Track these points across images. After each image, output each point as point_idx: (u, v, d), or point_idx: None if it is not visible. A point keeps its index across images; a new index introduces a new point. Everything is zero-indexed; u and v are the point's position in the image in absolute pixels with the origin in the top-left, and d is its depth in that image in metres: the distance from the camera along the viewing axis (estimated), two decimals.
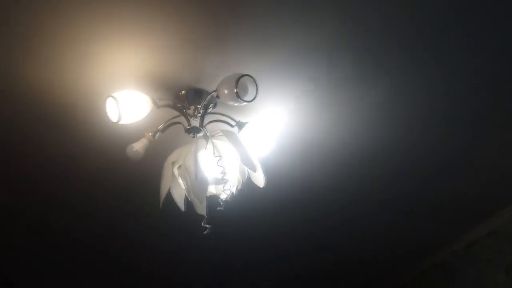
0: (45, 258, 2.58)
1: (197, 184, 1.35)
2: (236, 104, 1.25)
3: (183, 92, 1.47)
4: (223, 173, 1.42)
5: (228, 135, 1.44)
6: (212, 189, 1.50)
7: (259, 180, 1.55)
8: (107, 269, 2.79)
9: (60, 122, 1.61)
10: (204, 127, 1.49)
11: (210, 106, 1.52)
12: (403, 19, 1.35)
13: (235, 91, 1.20)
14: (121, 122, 1.29)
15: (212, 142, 1.47)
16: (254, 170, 1.39)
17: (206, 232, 1.55)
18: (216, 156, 1.44)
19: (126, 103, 1.28)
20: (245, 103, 1.23)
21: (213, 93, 1.37)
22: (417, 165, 2.07)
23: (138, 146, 1.49)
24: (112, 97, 1.26)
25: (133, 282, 2.97)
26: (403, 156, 2.00)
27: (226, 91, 1.23)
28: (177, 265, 2.79)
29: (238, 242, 2.55)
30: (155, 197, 1.50)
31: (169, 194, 1.53)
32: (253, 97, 1.24)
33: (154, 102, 1.37)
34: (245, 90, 1.24)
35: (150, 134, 1.49)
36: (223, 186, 1.44)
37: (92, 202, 2.11)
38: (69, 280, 2.90)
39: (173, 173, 1.53)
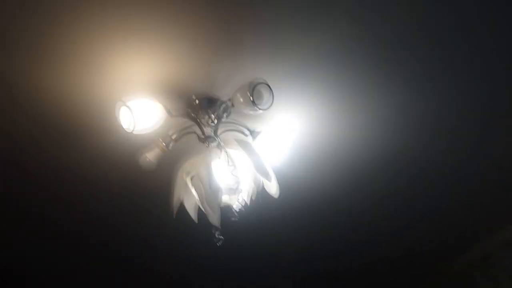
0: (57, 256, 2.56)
1: (211, 193, 1.33)
2: (251, 112, 1.23)
3: (196, 100, 1.45)
4: (237, 182, 1.40)
5: (242, 144, 1.42)
6: (226, 199, 1.47)
7: (273, 189, 1.52)
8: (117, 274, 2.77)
9: (72, 129, 1.60)
10: (218, 136, 1.47)
11: (224, 114, 1.50)
12: (414, 25, 1.33)
13: (251, 99, 1.18)
14: (135, 132, 1.27)
15: (226, 151, 1.45)
16: (269, 180, 1.36)
17: (219, 243, 1.52)
18: (230, 166, 1.42)
19: (140, 112, 1.26)
20: (260, 111, 1.20)
21: (227, 101, 1.35)
22: (429, 171, 2.03)
23: (151, 156, 1.47)
24: (126, 106, 1.25)
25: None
26: (414, 162, 1.97)
27: (241, 99, 1.21)
28: (191, 271, 2.76)
29: (251, 251, 2.52)
30: (168, 206, 1.47)
31: (181, 205, 1.51)
32: (269, 105, 1.22)
33: (168, 111, 1.35)
34: (261, 98, 1.21)
35: (164, 143, 1.47)
36: (237, 196, 1.41)
37: (107, 210, 2.10)
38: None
39: (186, 183, 1.51)
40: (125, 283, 2.86)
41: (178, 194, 1.45)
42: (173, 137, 1.48)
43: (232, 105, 1.30)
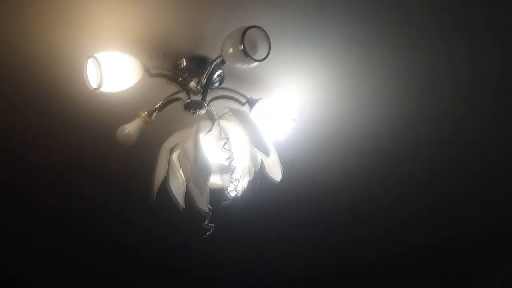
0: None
1: (198, 170, 1.08)
2: (245, 65, 0.98)
3: (183, 60, 1.22)
4: (230, 158, 1.16)
5: (237, 113, 1.18)
6: (216, 180, 1.23)
7: (274, 170, 1.27)
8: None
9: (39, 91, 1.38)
10: (209, 103, 1.23)
11: (216, 78, 1.27)
12: None
13: (241, 47, 0.93)
14: (102, 89, 1.03)
15: (218, 123, 1.21)
16: (268, 154, 1.12)
17: (208, 233, 1.28)
18: (222, 138, 1.17)
19: (110, 66, 1.03)
20: (255, 62, 0.96)
21: (217, 59, 1.11)
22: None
23: (131, 128, 1.23)
24: (93, 57, 1.01)
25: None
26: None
27: (231, 50, 0.97)
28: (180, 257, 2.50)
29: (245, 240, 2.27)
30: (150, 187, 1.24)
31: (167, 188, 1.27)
32: (265, 54, 0.97)
33: (146, 69, 1.11)
34: (255, 47, 0.97)
35: (146, 113, 1.23)
36: (230, 176, 1.17)
37: (81, 187, 1.87)
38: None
39: (170, 162, 1.27)
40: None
41: (160, 174, 1.20)
42: (157, 106, 1.24)
43: (223, 61, 1.06)
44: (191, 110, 1.15)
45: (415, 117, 1.54)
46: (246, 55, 0.95)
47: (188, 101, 1.15)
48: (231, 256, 2.42)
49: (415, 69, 1.36)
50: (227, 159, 1.16)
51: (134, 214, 2.04)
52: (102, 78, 1.01)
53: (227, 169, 1.16)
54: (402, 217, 2.11)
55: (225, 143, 1.17)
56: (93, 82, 1.05)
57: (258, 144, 1.12)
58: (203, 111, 1.17)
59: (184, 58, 1.22)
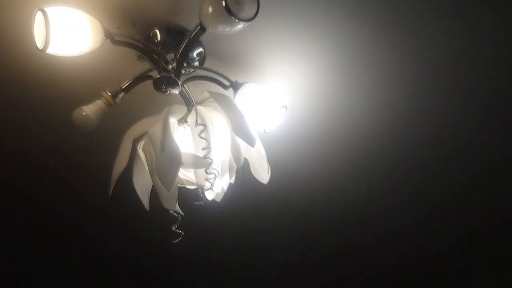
0: None
1: (164, 159, 0.87)
2: (228, 28, 0.79)
3: (156, 31, 1.02)
4: (207, 149, 0.95)
5: (218, 97, 0.98)
6: (189, 174, 1.02)
7: (261, 171, 1.07)
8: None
9: None
10: (185, 83, 1.03)
11: (196, 57, 1.08)
12: None
13: (223, 3, 0.74)
14: (49, 51, 0.83)
15: (195, 108, 1.01)
16: (252, 144, 0.91)
17: (178, 240, 1.06)
18: (198, 125, 0.97)
19: (61, 23, 0.83)
20: (241, 23, 0.77)
21: (197, 28, 0.91)
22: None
23: (90, 110, 1.02)
24: (41, 10, 0.81)
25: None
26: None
27: (210, 9, 0.77)
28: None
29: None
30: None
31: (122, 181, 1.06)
32: (253, 13, 0.78)
33: (108, 34, 0.91)
34: (240, 3, 0.78)
35: (109, 94, 1.03)
36: (206, 170, 0.96)
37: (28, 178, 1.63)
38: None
39: (136, 154, 1.06)
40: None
41: (120, 164, 0.99)
42: (123, 85, 1.04)
43: (202, 28, 0.86)
44: (162, 88, 0.95)
45: (414, 115, 1.35)
46: (230, 13, 0.76)
47: (158, 76, 0.95)
48: (210, 259, 2.18)
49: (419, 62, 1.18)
50: (203, 149, 0.96)
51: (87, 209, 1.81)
52: (49, 36, 0.81)
53: (202, 162, 0.95)
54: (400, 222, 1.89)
55: (201, 131, 0.97)
56: (40, 41, 0.84)
57: (240, 132, 0.92)
58: (176, 91, 0.97)
59: (157, 29, 1.02)
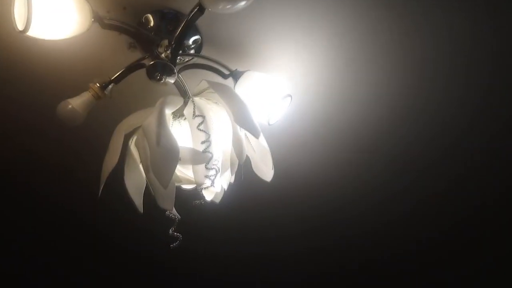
0: None
1: (160, 154, 0.78)
2: (229, 4, 0.71)
3: (148, 16, 0.94)
4: (207, 142, 0.87)
5: (217, 86, 0.89)
6: (187, 172, 0.93)
7: (264, 167, 0.99)
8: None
9: None
10: (179, 73, 0.94)
11: (191, 43, 0.99)
12: None
13: None
14: (30, 33, 0.74)
15: (192, 100, 0.93)
16: (257, 135, 0.83)
17: (175, 244, 0.97)
18: (196, 116, 0.89)
19: (45, 2, 0.74)
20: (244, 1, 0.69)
21: (195, 9, 0.83)
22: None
23: (77, 103, 0.93)
24: None
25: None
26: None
27: None
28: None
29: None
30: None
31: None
32: None
33: (97, 17, 0.83)
34: None
35: (97, 85, 0.94)
36: (206, 166, 0.87)
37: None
38: None
39: (128, 151, 0.97)
40: None
41: (110, 161, 0.89)
42: (112, 76, 0.95)
43: (201, 8, 0.78)
44: (156, 75, 0.86)
45: (422, 109, 1.28)
46: None
47: (152, 62, 0.86)
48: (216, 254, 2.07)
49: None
50: (202, 143, 0.87)
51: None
52: (30, 16, 0.72)
53: (201, 157, 0.86)
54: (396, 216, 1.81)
55: (200, 123, 0.88)
56: (20, 22, 0.75)
57: (244, 122, 0.84)
58: (171, 79, 0.88)
59: (150, 13, 0.94)
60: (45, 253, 2.02)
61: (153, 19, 0.94)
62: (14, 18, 0.75)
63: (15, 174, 1.54)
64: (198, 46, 1.01)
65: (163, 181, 0.79)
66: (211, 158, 0.87)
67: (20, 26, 0.75)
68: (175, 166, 0.80)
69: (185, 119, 1.01)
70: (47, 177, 1.52)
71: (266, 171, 1.00)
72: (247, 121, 0.84)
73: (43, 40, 0.81)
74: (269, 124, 0.96)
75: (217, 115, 0.95)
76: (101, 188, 0.87)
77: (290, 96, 0.95)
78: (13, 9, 0.76)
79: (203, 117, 0.89)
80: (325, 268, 2.17)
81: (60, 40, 0.82)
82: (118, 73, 0.95)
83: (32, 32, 0.74)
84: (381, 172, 1.53)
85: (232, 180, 1.01)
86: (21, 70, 1.13)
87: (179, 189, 0.99)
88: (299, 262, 2.11)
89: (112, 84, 0.96)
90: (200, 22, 0.92)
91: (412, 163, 1.50)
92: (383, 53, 1.09)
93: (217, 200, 1.05)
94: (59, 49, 1.05)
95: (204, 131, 0.87)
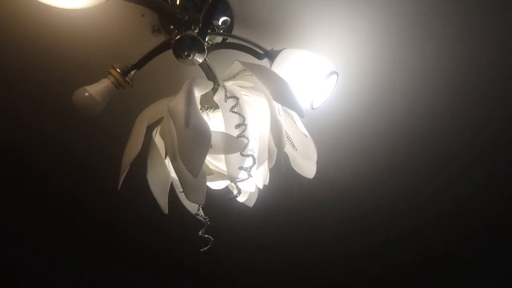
0: None
1: (189, 137, 0.67)
2: None
3: None
4: (242, 126, 0.74)
5: (254, 67, 0.78)
6: (218, 163, 0.81)
7: (305, 162, 0.86)
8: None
9: None
10: (208, 55, 0.84)
11: (221, 23, 0.89)
12: None
13: None
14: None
15: (223, 84, 0.81)
16: (302, 114, 0.70)
17: (206, 248, 0.84)
18: (229, 98, 0.77)
19: None
20: None
21: None
22: None
23: (95, 91, 0.83)
24: None
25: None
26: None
27: None
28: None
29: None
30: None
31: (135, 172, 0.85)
32: None
33: None
34: None
35: (118, 70, 0.84)
36: (241, 153, 0.74)
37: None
38: None
39: (152, 144, 0.86)
40: None
41: (131, 150, 0.78)
42: (136, 61, 0.85)
43: None
44: (184, 52, 0.75)
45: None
46: None
47: (179, 36, 0.75)
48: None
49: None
50: (237, 127, 0.75)
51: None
52: None
53: (236, 143, 0.74)
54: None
55: (234, 105, 0.77)
56: None
57: (285, 100, 0.71)
58: (201, 57, 0.77)
59: None
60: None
61: None
62: None
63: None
64: (228, 27, 0.91)
65: (193, 169, 0.66)
66: (247, 144, 0.75)
67: None
68: (207, 151, 0.68)
69: (213, 110, 0.90)
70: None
71: (307, 166, 0.87)
72: (288, 98, 0.72)
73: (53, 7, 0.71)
74: (312, 109, 0.84)
75: (252, 100, 0.84)
76: (122, 180, 0.75)
77: (336, 73, 0.82)
78: None
79: (237, 98, 0.77)
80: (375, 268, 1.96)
81: (79, 17, 0.73)
82: (140, 59, 0.85)
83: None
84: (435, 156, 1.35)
85: (267, 181, 0.88)
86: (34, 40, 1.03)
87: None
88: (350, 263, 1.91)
89: (133, 70, 0.86)
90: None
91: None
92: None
93: (250, 204, 0.92)
94: (71, 20, 0.94)
95: (239, 113, 0.75)
